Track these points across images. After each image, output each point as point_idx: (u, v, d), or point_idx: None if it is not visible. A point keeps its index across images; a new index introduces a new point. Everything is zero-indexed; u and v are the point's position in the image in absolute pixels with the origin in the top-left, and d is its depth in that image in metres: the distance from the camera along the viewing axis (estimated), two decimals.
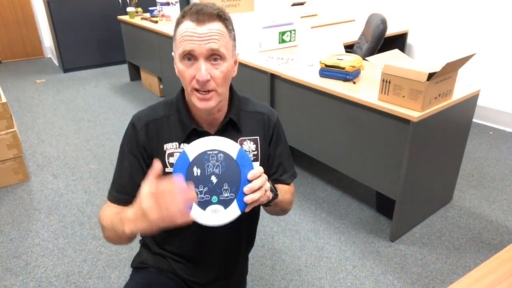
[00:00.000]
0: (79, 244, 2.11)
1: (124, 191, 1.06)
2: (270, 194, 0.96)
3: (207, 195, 0.89)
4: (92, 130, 3.47)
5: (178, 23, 0.97)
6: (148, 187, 0.78)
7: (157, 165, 0.81)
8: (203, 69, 0.93)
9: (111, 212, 1.01)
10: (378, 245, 2.07)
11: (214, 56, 0.94)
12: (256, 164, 0.99)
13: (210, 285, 1.19)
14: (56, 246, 2.10)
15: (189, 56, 0.94)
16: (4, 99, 2.54)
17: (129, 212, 0.84)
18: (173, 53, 1.01)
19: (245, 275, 1.33)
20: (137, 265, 1.20)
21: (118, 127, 3.52)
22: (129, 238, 0.95)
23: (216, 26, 0.93)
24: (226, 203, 0.89)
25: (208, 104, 0.97)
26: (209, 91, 0.96)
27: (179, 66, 0.96)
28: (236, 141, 1.07)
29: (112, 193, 1.08)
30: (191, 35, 0.92)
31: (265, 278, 1.88)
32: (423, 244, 2.07)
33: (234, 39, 1.01)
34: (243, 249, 1.24)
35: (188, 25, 0.93)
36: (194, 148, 0.91)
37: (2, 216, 2.35)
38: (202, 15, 0.92)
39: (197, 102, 0.97)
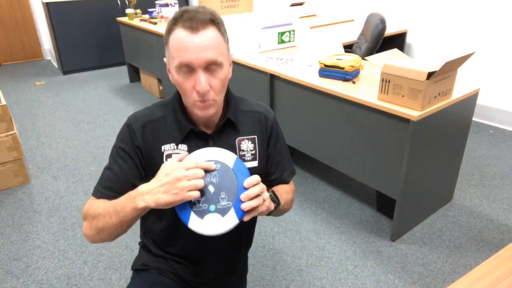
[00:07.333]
0: (79, 246, 2.11)
1: (112, 188, 1.02)
2: (271, 205, 0.97)
3: (205, 204, 0.90)
4: (92, 132, 3.47)
5: (170, 30, 0.93)
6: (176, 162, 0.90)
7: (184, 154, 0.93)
8: (202, 81, 0.92)
9: (104, 202, 0.96)
10: (379, 244, 2.07)
11: (211, 65, 0.93)
12: (254, 174, 1.00)
13: (212, 284, 1.20)
14: (57, 248, 2.10)
15: (186, 68, 0.93)
16: (3, 102, 2.54)
17: (143, 187, 0.88)
18: (165, 59, 1.00)
19: (245, 273, 1.34)
20: (138, 267, 1.20)
21: (118, 129, 3.50)
22: (129, 224, 0.93)
23: (211, 34, 0.92)
24: (223, 212, 0.89)
25: (208, 112, 0.98)
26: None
27: (176, 77, 0.96)
28: (235, 141, 1.09)
29: (100, 189, 1.03)
30: (187, 45, 0.90)
31: (266, 279, 1.88)
32: (424, 243, 2.07)
33: (228, 42, 1.00)
34: (244, 246, 1.25)
35: (182, 34, 0.90)
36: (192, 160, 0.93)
37: (3, 219, 2.35)
38: (196, 22, 0.90)
39: (198, 111, 0.98)
